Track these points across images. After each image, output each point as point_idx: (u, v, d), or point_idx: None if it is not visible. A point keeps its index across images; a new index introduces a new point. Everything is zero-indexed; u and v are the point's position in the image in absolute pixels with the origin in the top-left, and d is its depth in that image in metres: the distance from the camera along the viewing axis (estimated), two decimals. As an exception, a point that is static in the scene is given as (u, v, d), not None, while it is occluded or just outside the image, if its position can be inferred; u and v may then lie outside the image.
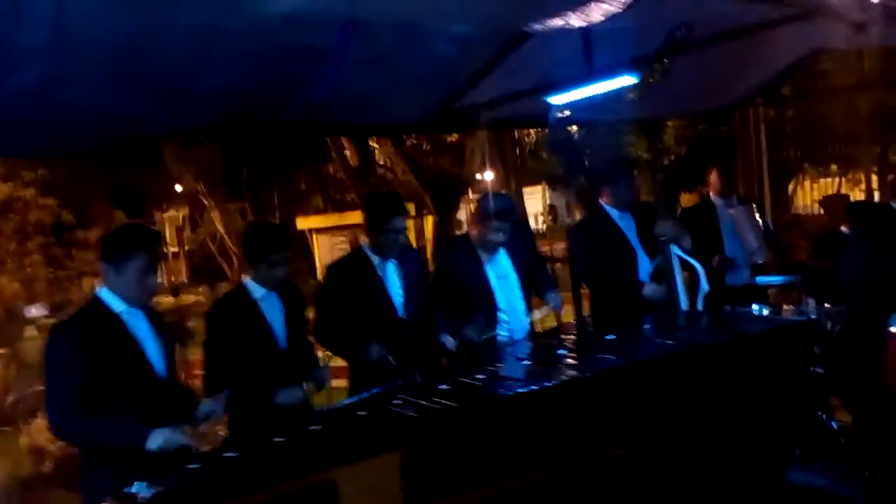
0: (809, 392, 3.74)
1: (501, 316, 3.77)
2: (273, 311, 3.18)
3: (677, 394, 2.95)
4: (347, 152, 9.78)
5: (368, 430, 2.50)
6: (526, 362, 3.17)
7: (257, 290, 3.16)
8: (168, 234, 26.82)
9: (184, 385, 2.96)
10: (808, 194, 13.24)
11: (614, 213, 4.33)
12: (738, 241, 4.41)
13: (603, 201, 4.40)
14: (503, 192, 4.38)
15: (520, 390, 2.74)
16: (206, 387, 3.04)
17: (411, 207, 14.77)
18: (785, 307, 3.97)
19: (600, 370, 2.85)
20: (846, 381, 3.86)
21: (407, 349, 3.44)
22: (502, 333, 3.76)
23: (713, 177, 4.68)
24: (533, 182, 22.70)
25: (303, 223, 17.39)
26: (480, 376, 2.93)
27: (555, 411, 2.70)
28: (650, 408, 2.89)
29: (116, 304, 2.67)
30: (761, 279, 4.11)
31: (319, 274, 12.96)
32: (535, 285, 4.04)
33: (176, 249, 26.39)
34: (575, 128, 11.48)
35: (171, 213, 26.04)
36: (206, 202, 20.85)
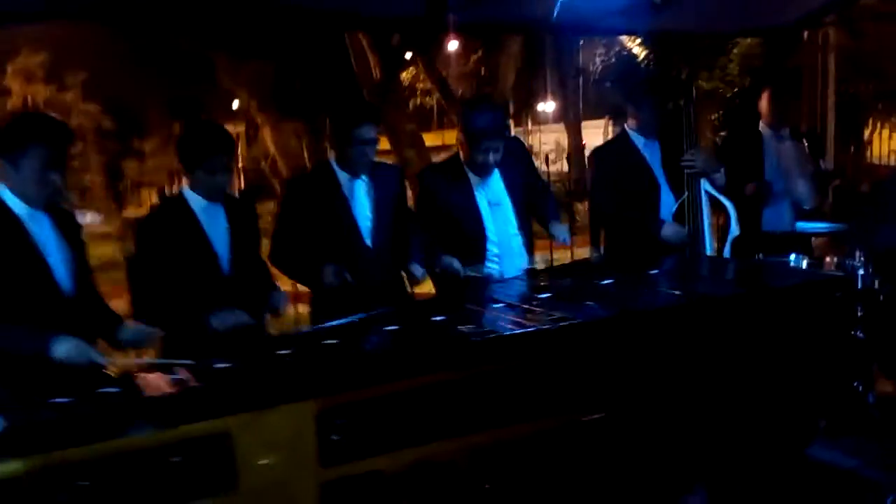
0: (844, 358, 3.22)
1: (492, 248, 3.31)
2: (215, 226, 2.79)
3: (677, 352, 2.48)
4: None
5: (279, 373, 2.10)
6: (500, 305, 2.71)
7: (197, 201, 2.77)
8: (223, 149, 26.86)
9: (102, 303, 2.61)
10: (888, 142, 12.06)
11: (639, 140, 3.78)
12: (784, 180, 3.80)
13: (628, 126, 3.85)
14: (489, 99, 3.75)
15: (474, 339, 2.31)
16: (132, 308, 2.70)
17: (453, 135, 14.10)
18: (828, 260, 3.39)
19: (573, 321, 2.37)
20: (887, 347, 3.31)
21: (371, 280, 3.03)
22: (492, 267, 3.30)
23: (763, 101, 4.05)
24: (596, 115, 21.73)
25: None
26: (438, 318, 2.50)
27: (516, 365, 2.26)
28: (641, 367, 2.42)
29: (17, 206, 2.32)
30: (801, 225, 3.52)
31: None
32: (538, 215, 3.56)
33: (229, 165, 26.35)
34: (640, 56, 10.62)
35: (227, 128, 25.77)
36: (258, 119, 20.63)
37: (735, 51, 8.65)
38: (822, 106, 5.24)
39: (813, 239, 3.74)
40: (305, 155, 18.26)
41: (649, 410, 2.46)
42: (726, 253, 3.56)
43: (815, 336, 2.83)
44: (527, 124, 21.99)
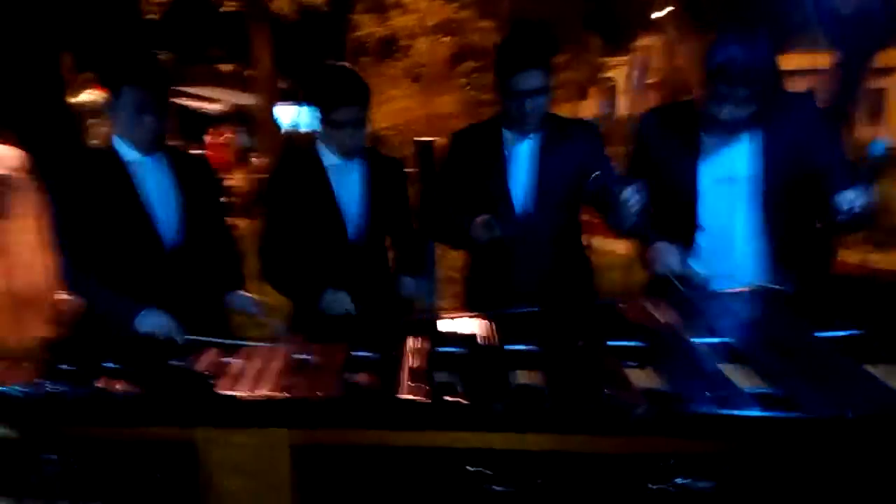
0: None
1: (703, 241, 2.35)
2: (348, 187, 2.45)
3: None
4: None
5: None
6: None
7: (329, 156, 2.45)
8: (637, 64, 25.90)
9: (224, 258, 2.48)
10: None
11: None
12: None
13: None
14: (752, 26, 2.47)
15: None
16: (261, 261, 2.54)
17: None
18: None
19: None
20: None
21: (523, 265, 2.44)
22: (699, 271, 2.32)
23: None
24: None
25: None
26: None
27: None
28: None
29: (127, 152, 2.25)
30: None
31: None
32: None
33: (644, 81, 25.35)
34: None
35: (644, 41, 24.71)
36: (673, 32, 19.35)
37: None
38: None
39: None
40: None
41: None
42: None
43: None
44: None
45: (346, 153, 2.42)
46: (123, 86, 2.16)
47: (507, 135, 2.44)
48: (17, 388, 1.78)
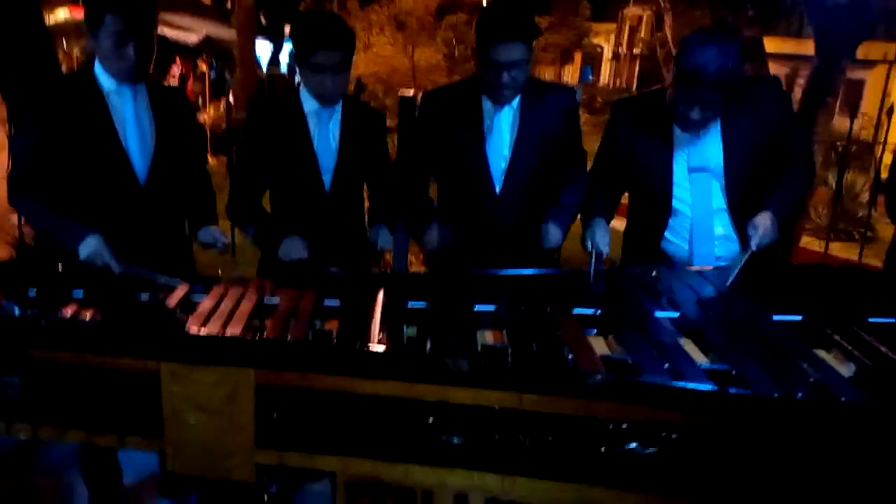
0: None
1: (681, 223, 2.42)
2: (324, 134, 2.43)
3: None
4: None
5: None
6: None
7: (309, 102, 2.43)
8: (624, 33, 25.76)
9: (195, 193, 2.47)
10: None
11: None
12: None
13: None
14: (721, 33, 2.52)
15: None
16: (228, 203, 2.54)
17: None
18: None
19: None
20: None
21: (496, 236, 2.48)
22: (675, 241, 2.44)
23: None
24: None
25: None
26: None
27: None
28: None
29: (105, 80, 2.21)
30: None
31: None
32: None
33: (624, 51, 25.30)
34: None
35: (634, 10, 24.49)
36: (664, 3, 19.27)
37: None
38: None
39: None
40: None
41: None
42: None
43: None
44: None
45: (325, 99, 2.39)
46: (106, 14, 2.10)
47: (487, 102, 2.43)
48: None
